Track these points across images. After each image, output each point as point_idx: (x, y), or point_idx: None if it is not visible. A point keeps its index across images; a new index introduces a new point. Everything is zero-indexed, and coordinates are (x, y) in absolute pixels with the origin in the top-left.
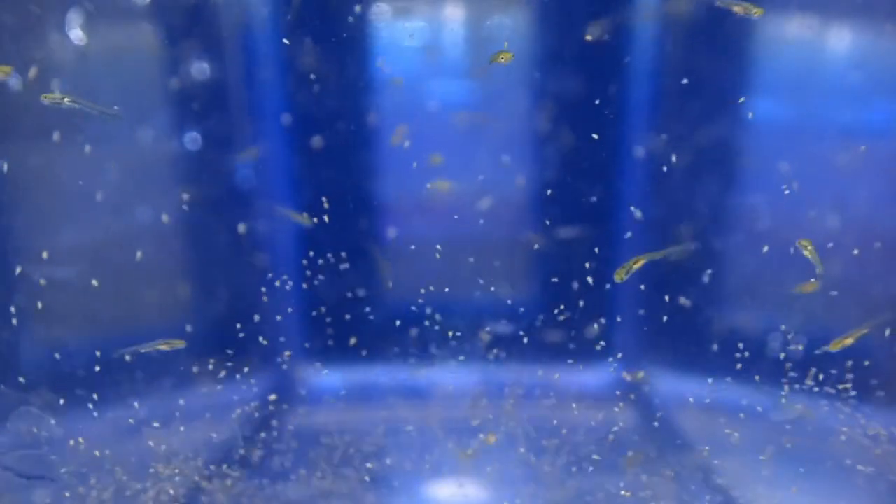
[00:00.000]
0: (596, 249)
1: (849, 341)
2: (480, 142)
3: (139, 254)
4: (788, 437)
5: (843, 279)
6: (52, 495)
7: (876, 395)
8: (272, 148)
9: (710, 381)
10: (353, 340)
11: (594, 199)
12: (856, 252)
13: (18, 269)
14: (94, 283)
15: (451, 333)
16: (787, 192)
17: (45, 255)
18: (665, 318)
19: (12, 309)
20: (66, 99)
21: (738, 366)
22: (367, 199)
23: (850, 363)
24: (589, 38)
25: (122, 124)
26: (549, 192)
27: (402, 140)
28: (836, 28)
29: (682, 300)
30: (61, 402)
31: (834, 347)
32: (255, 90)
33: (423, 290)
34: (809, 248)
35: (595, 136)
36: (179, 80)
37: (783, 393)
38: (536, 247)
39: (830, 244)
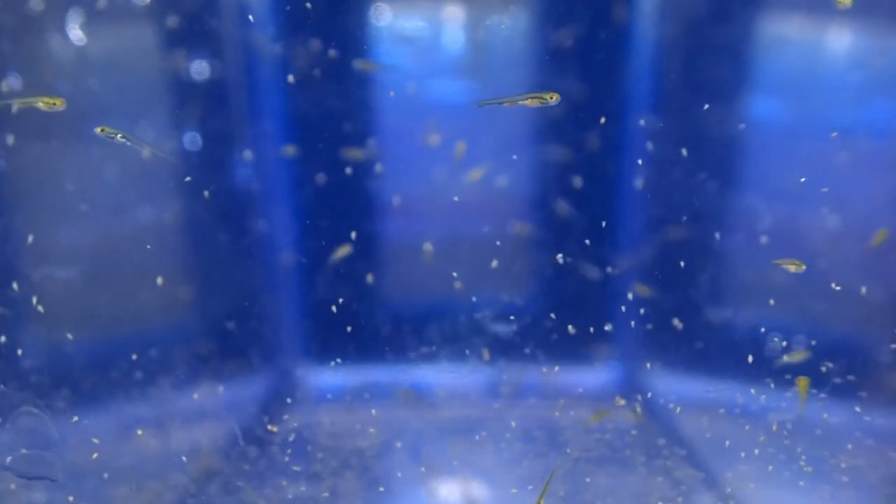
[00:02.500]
0: (595, 249)
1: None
2: (480, 142)
3: (139, 254)
4: (788, 437)
5: (844, 279)
6: (51, 495)
7: (876, 395)
8: (272, 147)
9: (709, 381)
10: (352, 340)
11: (594, 198)
12: (856, 252)
13: (18, 269)
14: (94, 283)
15: (450, 334)
16: (791, 188)
17: (44, 255)
18: (665, 317)
19: (12, 309)
20: (118, 135)
21: (738, 366)
22: (366, 198)
23: (849, 362)
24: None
25: (125, 127)
26: (548, 191)
27: (361, 158)
28: (835, 28)
29: (682, 300)
30: (61, 402)
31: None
32: (255, 90)
33: (422, 290)
34: (791, 266)
35: (594, 136)
36: (179, 80)
37: (782, 393)
38: (535, 246)
39: (830, 244)
